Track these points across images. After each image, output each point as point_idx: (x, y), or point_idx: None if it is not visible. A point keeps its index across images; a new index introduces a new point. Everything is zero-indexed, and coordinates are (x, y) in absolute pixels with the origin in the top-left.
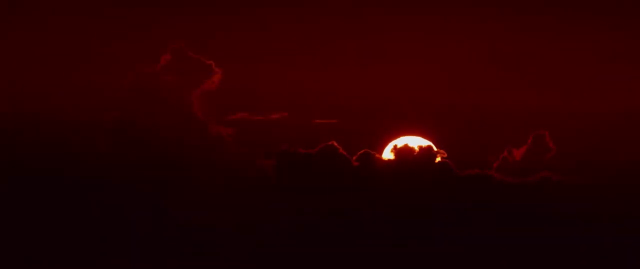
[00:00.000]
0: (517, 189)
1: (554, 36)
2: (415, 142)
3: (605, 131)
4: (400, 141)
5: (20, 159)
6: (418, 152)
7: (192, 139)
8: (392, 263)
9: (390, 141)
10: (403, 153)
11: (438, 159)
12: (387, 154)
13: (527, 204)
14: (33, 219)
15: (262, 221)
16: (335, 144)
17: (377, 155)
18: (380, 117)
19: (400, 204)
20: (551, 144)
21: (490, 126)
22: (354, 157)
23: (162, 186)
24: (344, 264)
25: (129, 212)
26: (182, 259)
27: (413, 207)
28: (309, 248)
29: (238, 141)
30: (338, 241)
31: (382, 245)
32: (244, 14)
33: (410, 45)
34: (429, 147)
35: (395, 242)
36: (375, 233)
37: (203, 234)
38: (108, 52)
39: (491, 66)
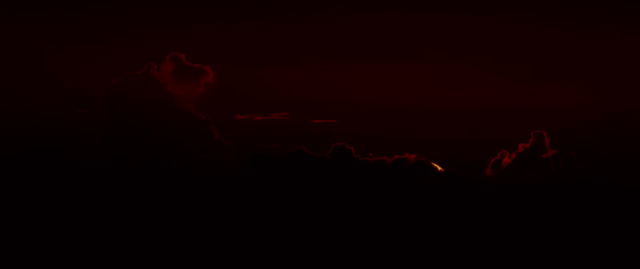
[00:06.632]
0: (496, 189)
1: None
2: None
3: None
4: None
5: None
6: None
7: (193, 140)
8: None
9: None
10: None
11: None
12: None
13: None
14: (33, 219)
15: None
16: (305, 149)
17: (354, 151)
18: (380, 118)
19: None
20: (549, 144)
21: (490, 125)
22: (329, 152)
23: (162, 187)
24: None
25: (129, 212)
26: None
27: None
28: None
29: (238, 141)
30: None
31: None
32: (243, 15)
33: (411, 45)
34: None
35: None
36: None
37: (202, 233)
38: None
39: (491, 66)
